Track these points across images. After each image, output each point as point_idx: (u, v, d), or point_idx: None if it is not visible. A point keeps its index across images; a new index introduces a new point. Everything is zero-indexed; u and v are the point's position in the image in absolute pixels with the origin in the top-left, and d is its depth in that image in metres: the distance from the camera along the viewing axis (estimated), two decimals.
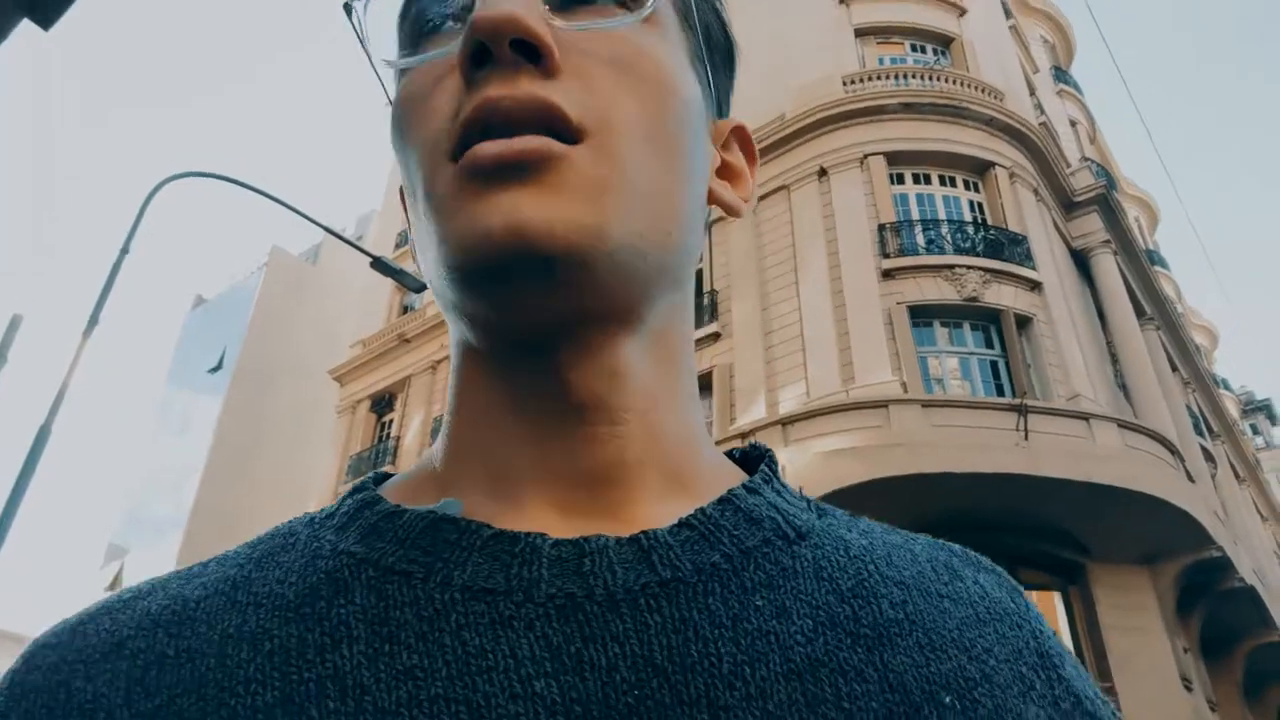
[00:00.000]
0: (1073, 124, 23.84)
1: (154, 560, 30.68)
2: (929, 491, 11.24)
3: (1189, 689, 11.72)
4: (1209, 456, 18.26)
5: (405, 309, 23.31)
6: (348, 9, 0.48)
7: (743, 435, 12.86)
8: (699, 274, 16.12)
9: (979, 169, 15.34)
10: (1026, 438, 11.53)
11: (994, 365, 13.64)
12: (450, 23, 0.47)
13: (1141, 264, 18.89)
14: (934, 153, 15.13)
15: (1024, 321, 13.74)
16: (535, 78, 0.42)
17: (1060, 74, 25.11)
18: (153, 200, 8.91)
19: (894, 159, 15.01)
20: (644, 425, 0.46)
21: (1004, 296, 13.77)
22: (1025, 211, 14.97)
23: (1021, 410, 11.72)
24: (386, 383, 22.11)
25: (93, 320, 7.96)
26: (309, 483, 24.16)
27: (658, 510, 0.44)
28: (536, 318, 0.43)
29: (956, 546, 0.54)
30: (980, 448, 11.44)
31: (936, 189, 15.17)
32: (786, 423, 12.62)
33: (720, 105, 0.56)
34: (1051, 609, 12.48)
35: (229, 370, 33.69)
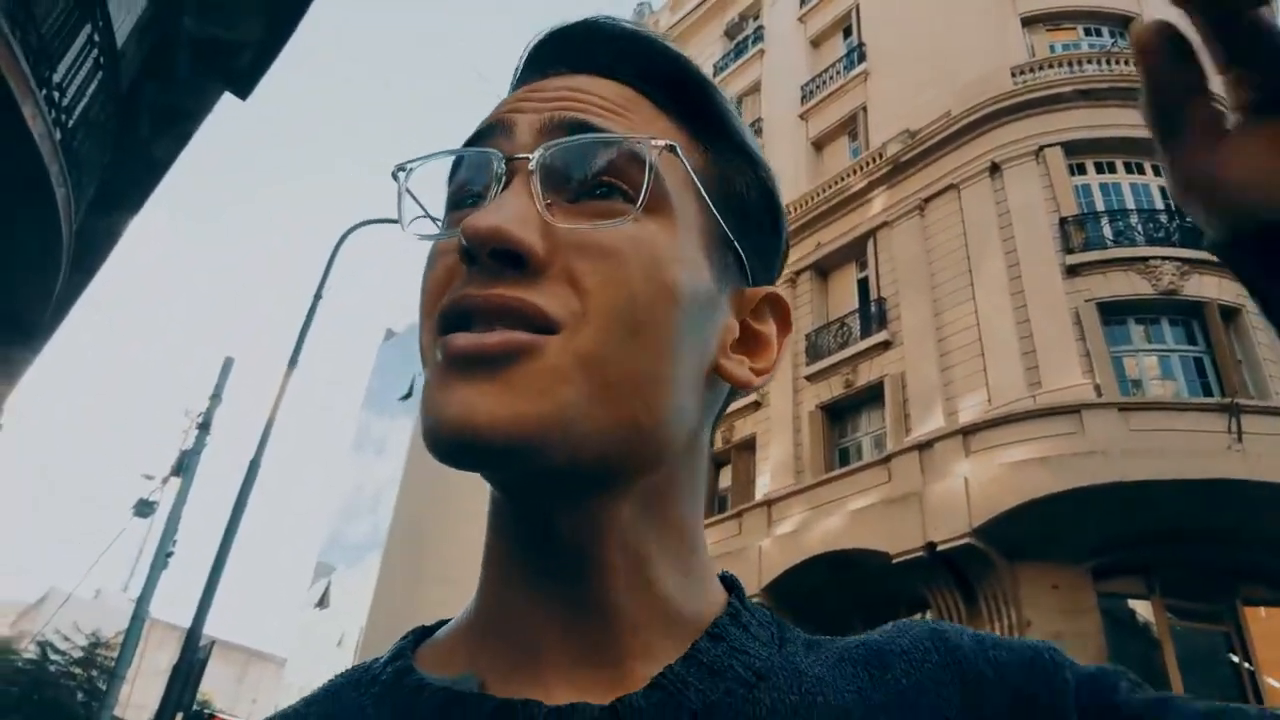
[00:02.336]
0: None
1: (356, 577, 32.79)
2: (1130, 502, 10.47)
3: None
4: None
5: None
6: (395, 176, 0.54)
7: (920, 446, 12.44)
8: (864, 281, 15.77)
9: None
10: (1240, 440, 10.54)
11: (1199, 362, 12.58)
12: (474, 204, 0.51)
13: None
14: (1118, 139, 14.13)
15: (1231, 313, 12.58)
16: (514, 281, 0.45)
17: None
18: (347, 241, 9.64)
19: (1073, 149, 14.16)
20: (632, 580, 0.49)
21: (1206, 287, 12.67)
22: None
23: (1233, 410, 10.74)
24: None
25: (293, 360, 8.68)
26: None
27: (653, 665, 0.48)
28: (508, 481, 0.48)
29: (893, 626, 0.55)
30: (1187, 453, 10.55)
31: (1122, 177, 14.19)
32: (968, 432, 12.09)
33: (754, 273, 0.57)
34: None
35: (418, 397, 35.64)
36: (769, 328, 0.58)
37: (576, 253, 0.47)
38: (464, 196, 0.52)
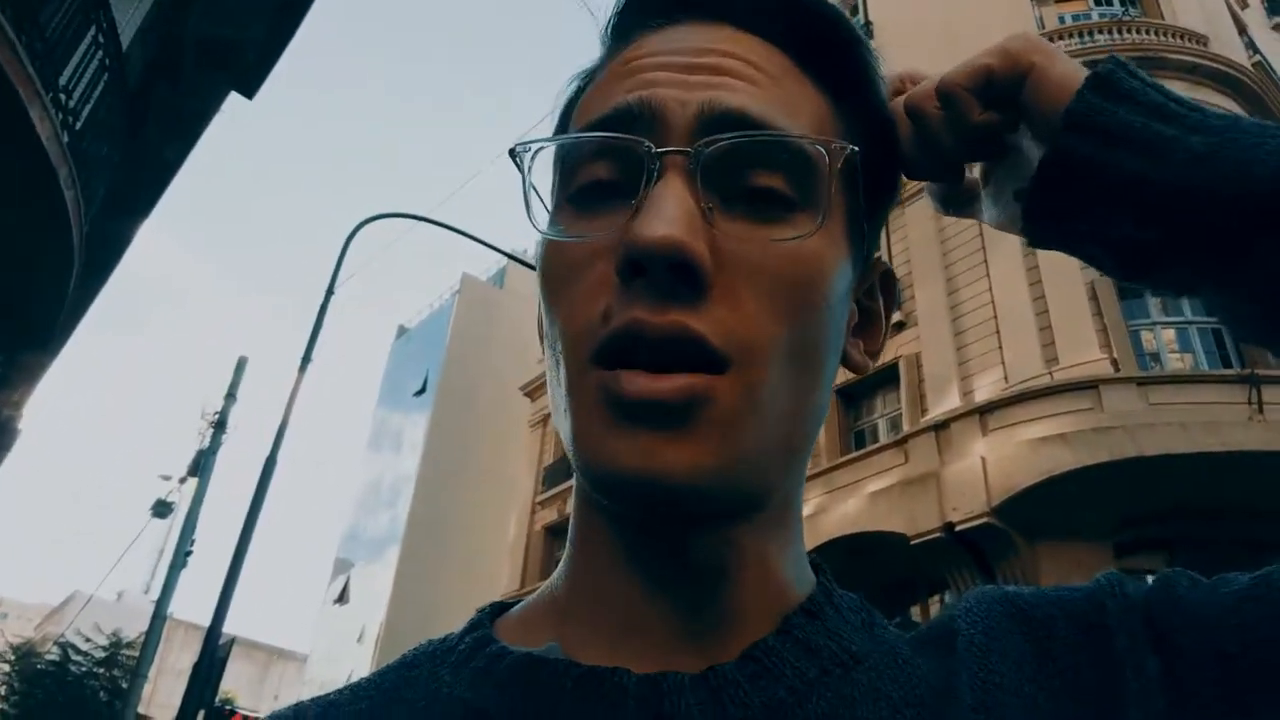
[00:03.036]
0: None
1: (376, 573, 32.96)
2: (1151, 477, 10.40)
3: None
4: None
5: None
6: (514, 154, 0.48)
7: (936, 426, 12.38)
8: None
9: None
10: (1261, 411, 10.45)
11: (1217, 334, 12.46)
12: (614, 199, 0.46)
13: None
14: None
15: None
16: (685, 302, 0.42)
17: (1275, 6, 22.64)
18: (355, 240, 9.64)
19: None
20: (753, 578, 0.47)
21: None
22: None
23: (1253, 381, 10.64)
24: None
25: (306, 358, 8.69)
26: (511, 493, 25.24)
27: (748, 638, 0.46)
28: (660, 521, 0.45)
29: (962, 596, 0.53)
30: (1207, 426, 10.46)
31: None
32: (984, 411, 12.02)
33: (869, 246, 0.54)
34: None
35: (432, 392, 35.77)
36: (879, 305, 0.56)
37: (740, 269, 0.43)
38: (597, 187, 0.47)
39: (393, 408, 38.84)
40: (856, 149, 0.47)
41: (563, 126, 0.54)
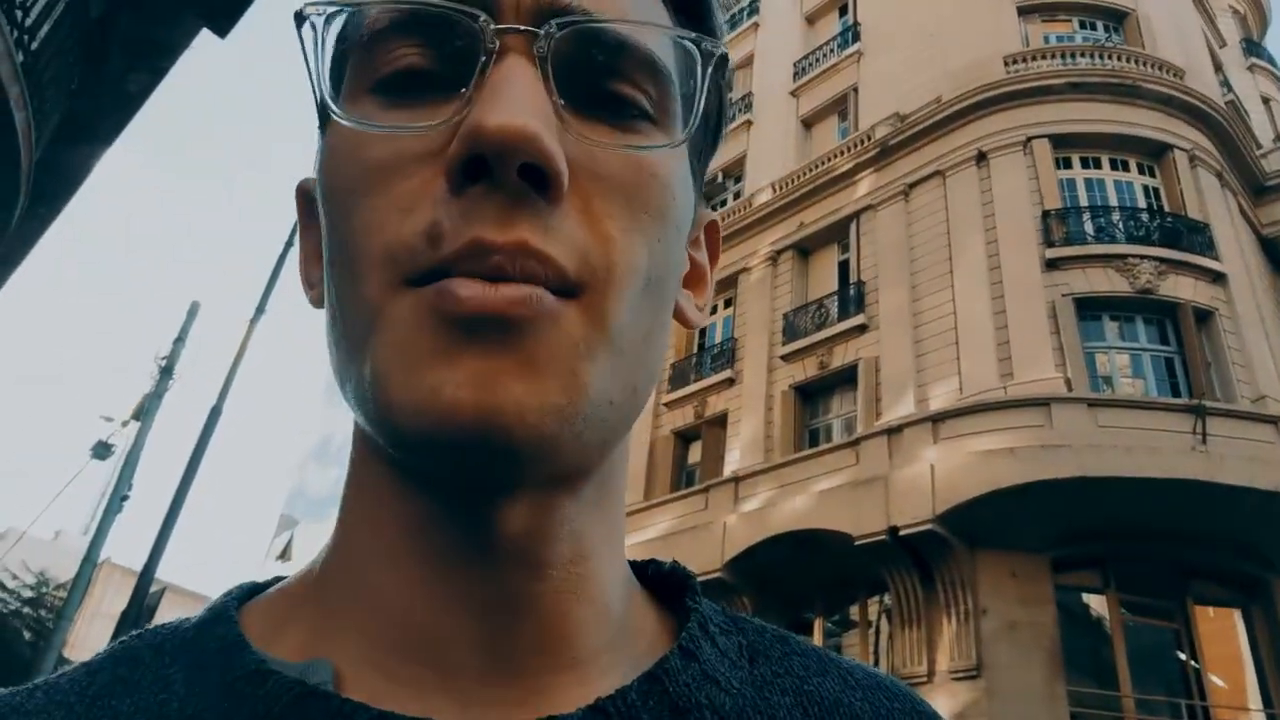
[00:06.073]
0: (1265, 101, 21.80)
1: (320, 531, 32.74)
2: (1093, 497, 10.58)
3: None
4: None
5: None
6: (300, 17, 0.37)
7: (889, 430, 12.48)
8: (844, 264, 15.75)
9: (1155, 152, 14.26)
10: (1204, 441, 10.66)
11: (1169, 363, 12.69)
12: (431, 92, 0.37)
13: None
14: (1105, 135, 14.16)
15: (1204, 316, 12.70)
16: (535, 213, 0.34)
17: (1252, 46, 23.01)
18: None
19: (1060, 142, 14.15)
20: (569, 576, 0.39)
21: (1182, 289, 12.77)
22: (1207, 197, 13.83)
23: (1199, 412, 10.85)
24: None
25: (260, 309, 8.51)
26: None
27: (570, 678, 0.38)
28: (481, 483, 0.36)
29: (899, 687, 0.47)
30: (1151, 451, 10.66)
31: (1107, 173, 14.21)
32: (937, 420, 12.14)
33: (699, 188, 0.47)
34: (1231, 626, 11.53)
35: None
36: (704, 257, 0.50)
37: (595, 181, 0.36)
38: (408, 76, 0.37)
39: None
40: (726, 53, 0.40)
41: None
